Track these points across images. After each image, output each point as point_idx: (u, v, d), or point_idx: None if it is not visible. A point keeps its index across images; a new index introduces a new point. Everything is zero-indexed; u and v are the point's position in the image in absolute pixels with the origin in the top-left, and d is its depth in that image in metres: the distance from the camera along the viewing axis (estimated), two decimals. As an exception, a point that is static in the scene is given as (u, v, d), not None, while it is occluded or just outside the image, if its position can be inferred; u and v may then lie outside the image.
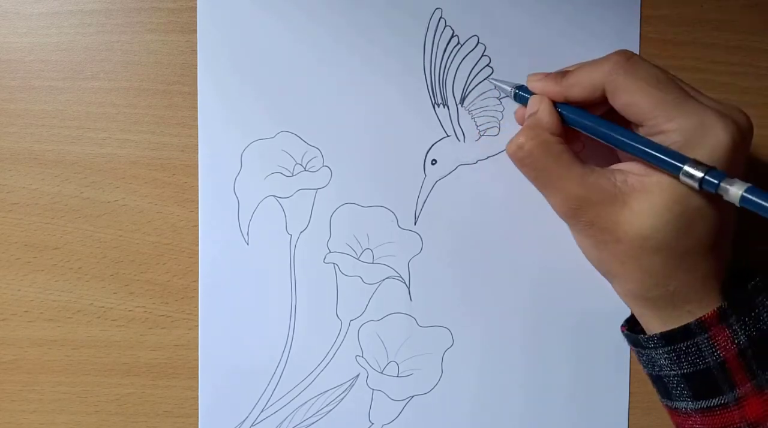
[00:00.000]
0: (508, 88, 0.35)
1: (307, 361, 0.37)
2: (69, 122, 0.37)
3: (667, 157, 0.27)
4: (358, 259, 0.37)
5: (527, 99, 0.34)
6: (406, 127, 0.37)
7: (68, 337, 0.38)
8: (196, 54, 0.37)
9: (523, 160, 0.31)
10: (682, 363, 0.29)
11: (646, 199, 0.28)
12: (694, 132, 0.27)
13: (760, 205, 0.25)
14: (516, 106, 0.36)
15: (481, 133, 0.37)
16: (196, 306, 0.37)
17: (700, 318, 0.29)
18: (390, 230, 0.37)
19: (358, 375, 0.38)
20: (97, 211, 0.37)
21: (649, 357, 0.31)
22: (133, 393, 0.38)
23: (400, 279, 0.37)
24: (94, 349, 0.38)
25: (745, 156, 0.29)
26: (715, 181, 0.26)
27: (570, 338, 0.38)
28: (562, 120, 0.32)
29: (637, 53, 0.30)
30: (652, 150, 0.28)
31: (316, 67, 0.37)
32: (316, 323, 0.37)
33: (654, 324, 0.30)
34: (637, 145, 0.28)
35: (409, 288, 0.37)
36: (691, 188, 0.27)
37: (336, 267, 0.37)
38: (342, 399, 0.38)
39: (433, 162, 0.37)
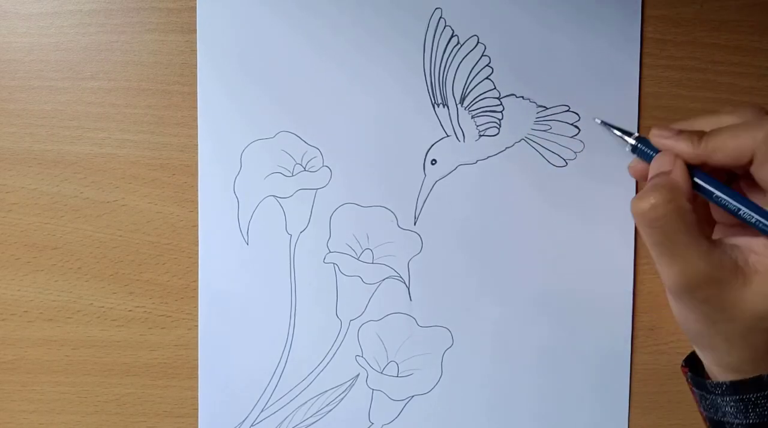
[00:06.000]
0: (630, 141, 0.31)
1: (307, 361, 0.37)
2: (68, 122, 0.37)
3: None
4: (358, 259, 0.37)
5: (649, 156, 0.30)
6: (406, 127, 0.37)
7: (68, 337, 0.38)
8: (196, 54, 0.37)
9: (654, 222, 0.28)
10: (749, 413, 0.29)
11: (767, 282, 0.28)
12: None
13: None
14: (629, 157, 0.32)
15: (481, 133, 0.37)
16: (196, 306, 0.37)
17: None
18: (390, 230, 0.37)
19: (358, 375, 0.38)
20: (97, 211, 0.37)
21: (713, 402, 0.30)
22: (133, 393, 0.38)
23: (400, 279, 0.37)
24: (94, 349, 0.38)
25: None
26: None
27: (570, 337, 0.38)
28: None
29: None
30: None
31: (316, 66, 0.37)
32: (316, 323, 0.37)
33: (722, 375, 0.30)
34: None
35: (409, 288, 0.37)
36: None
37: (336, 267, 0.37)
38: (342, 399, 0.38)
39: (433, 162, 0.37)
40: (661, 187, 0.29)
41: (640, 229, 0.29)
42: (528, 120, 0.37)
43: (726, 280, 0.28)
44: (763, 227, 0.28)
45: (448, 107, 0.37)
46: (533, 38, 0.37)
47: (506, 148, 0.37)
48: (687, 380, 0.32)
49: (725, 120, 0.30)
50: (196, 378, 0.37)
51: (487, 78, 0.37)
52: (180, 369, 0.38)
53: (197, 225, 0.37)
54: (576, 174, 0.37)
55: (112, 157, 0.37)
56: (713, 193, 0.29)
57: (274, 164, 0.37)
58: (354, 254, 0.37)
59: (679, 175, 0.29)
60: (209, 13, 0.36)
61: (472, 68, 0.37)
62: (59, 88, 0.37)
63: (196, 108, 0.37)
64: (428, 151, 0.37)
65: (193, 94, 0.37)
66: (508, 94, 0.37)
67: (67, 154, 0.37)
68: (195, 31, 0.37)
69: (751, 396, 0.29)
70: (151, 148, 0.37)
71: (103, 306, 0.37)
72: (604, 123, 0.32)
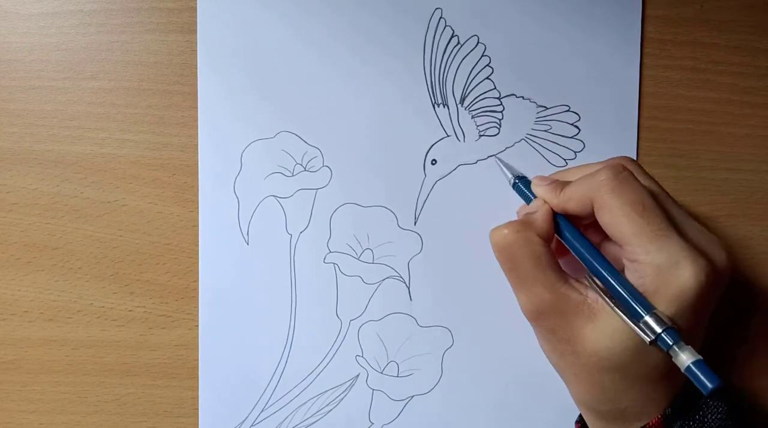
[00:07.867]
0: (510, 176, 0.35)
1: (307, 361, 0.37)
2: (69, 122, 0.37)
3: (632, 302, 0.27)
4: (358, 259, 0.37)
5: (523, 192, 0.34)
6: (406, 127, 0.37)
7: (68, 337, 0.38)
8: (196, 54, 0.37)
9: (502, 248, 0.31)
10: None
11: (611, 322, 0.28)
12: (666, 270, 0.27)
13: (702, 381, 0.26)
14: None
15: (481, 133, 0.37)
16: (196, 306, 0.37)
17: (645, 425, 0.29)
18: (390, 230, 0.37)
19: (358, 375, 0.38)
20: (97, 211, 0.37)
21: None
22: (133, 393, 0.38)
23: (400, 279, 0.37)
24: (94, 349, 0.38)
25: (719, 294, 0.29)
26: (669, 342, 0.26)
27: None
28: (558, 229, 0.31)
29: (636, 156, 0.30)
30: (621, 290, 0.28)
31: (316, 66, 0.37)
32: (316, 323, 0.37)
33: None
34: (610, 282, 0.28)
35: (409, 288, 0.37)
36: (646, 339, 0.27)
37: (336, 267, 0.37)
38: (342, 399, 0.38)
39: (433, 162, 0.37)
40: (516, 220, 0.31)
41: (496, 258, 0.31)
42: (528, 120, 0.37)
43: (570, 313, 0.29)
44: (593, 270, 0.29)
45: (448, 107, 0.37)
46: (533, 38, 0.37)
47: (506, 147, 0.37)
48: None
49: (590, 169, 0.31)
50: (196, 378, 0.37)
51: (487, 78, 0.37)
52: (180, 369, 0.38)
53: (197, 225, 0.37)
54: (576, 174, 0.37)
55: (113, 157, 0.37)
56: (564, 234, 0.31)
57: (274, 164, 0.37)
58: (354, 254, 0.37)
59: (540, 215, 0.31)
60: (209, 13, 0.36)
61: (472, 68, 0.37)
62: (60, 88, 0.37)
63: (197, 108, 0.37)
64: (428, 151, 0.37)
65: (193, 94, 0.37)
66: (508, 94, 0.37)
67: (67, 154, 0.37)
68: (195, 31, 0.37)
69: None
70: (151, 148, 0.37)
71: (103, 306, 0.37)
72: (498, 159, 0.36)
